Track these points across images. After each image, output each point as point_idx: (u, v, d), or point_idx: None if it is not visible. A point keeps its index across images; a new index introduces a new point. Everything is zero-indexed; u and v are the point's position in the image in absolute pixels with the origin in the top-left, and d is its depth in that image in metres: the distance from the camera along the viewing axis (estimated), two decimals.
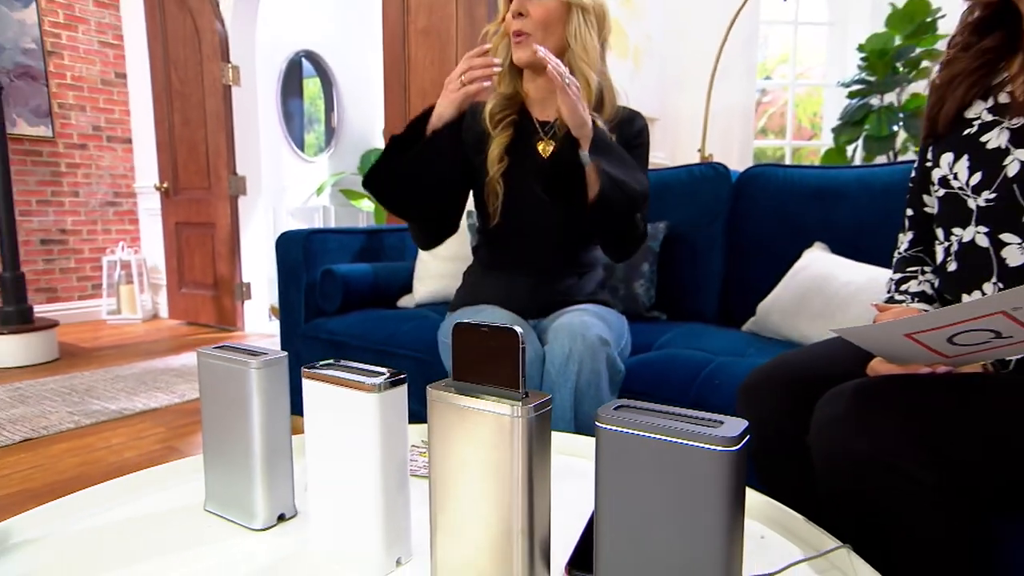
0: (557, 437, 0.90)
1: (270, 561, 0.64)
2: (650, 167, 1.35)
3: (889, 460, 0.73)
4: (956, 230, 0.94)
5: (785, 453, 0.93)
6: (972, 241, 0.92)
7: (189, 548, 0.66)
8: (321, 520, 0.63)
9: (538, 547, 0.53)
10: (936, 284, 1.00)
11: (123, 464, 2.06)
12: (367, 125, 4.83)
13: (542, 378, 1.10)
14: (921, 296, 1.00)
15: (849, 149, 3.43)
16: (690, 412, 0.45)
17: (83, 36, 3.79)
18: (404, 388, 0.57)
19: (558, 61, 1.02)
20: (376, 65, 4.58)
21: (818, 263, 1.54)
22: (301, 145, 4.59)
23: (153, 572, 0.61)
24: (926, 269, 1.04)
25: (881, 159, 3.32)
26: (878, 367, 0.85)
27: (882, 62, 3.17)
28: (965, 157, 0.92)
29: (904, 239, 1.09)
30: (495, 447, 0.50)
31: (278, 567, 0.62)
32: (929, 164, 0.98)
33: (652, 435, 0.43)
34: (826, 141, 3.80)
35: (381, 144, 4.71)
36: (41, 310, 3.56)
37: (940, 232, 0.98)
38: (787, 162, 4.04)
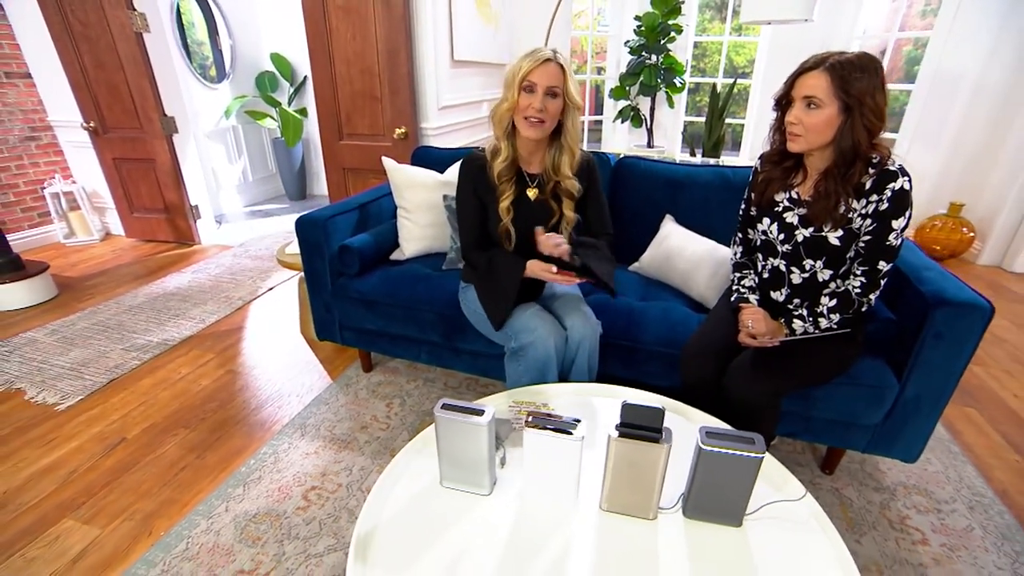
0: (587, 386, 1.39)
1: (503, 508, 0.98)
2: None
3: (766, 392, 1.27)
4: (770, 259, 1.38)
5: (709, 390, 1.39)
6: (777, 266, 1.36)
7: (467, 509, 0.96)
8: (532, 489, 1.00)
9: (660, 496, 0.95)
10: (756, 282, 1.44)
11: (208, 392, 2.19)
12: (255, 52, 5.04)
13: (565, 348, 1.49)
14: (751, 289, 1.43)
15: (630, 89, 4.82)
16: (734, 432, 0.87)
17: None
18: (584, 437, 0.91)
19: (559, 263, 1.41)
20: None
21: (674, 235, 1.92)
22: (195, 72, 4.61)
23: (464, 526, 0.92)
24: (751, 272, 1.46)
25: (646, 102, 4.83)
26: (744, 339, 1.34)
27: (653, 33, 4.45)
28: (776, 224, 1.32)
29: (737, 250, 1.51)
30: (651, 464, 0.90)
31: (510, 511, 0.97)
32: (754, 214, 1.42)
33: (726, 451, 0.85)
34: (612, 75, 5.20)
35: (270, 67, 5.07)
36: None
37: (760, 255, 1.42)
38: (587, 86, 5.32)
